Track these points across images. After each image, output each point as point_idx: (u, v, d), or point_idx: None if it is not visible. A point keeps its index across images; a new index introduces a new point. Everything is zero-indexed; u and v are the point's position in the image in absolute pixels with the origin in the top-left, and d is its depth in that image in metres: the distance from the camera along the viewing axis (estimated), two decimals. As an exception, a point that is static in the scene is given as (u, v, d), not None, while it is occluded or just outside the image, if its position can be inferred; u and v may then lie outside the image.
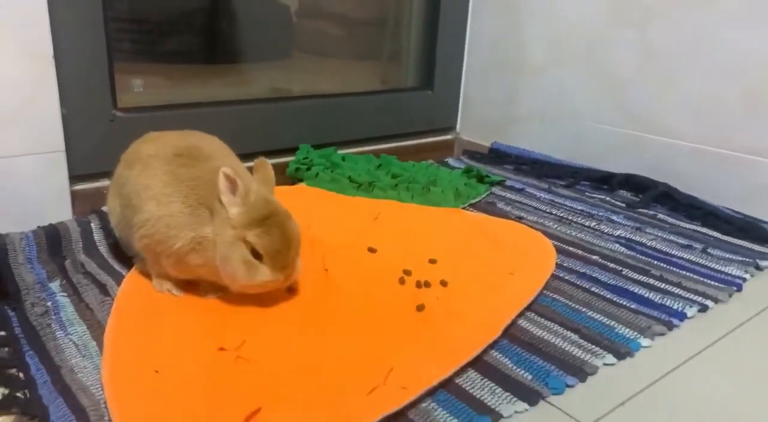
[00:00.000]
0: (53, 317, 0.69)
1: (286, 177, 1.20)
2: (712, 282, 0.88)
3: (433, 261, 0.87)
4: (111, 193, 0.81)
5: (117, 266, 0.83)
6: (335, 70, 1.64)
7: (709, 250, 0.99)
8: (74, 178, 1.06)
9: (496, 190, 1.25)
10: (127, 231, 0.76)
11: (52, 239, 0.87)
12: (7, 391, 0.56)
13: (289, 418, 0.55)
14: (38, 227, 0.90)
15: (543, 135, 1.46)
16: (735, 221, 1.09)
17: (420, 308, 0.75)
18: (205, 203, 0.71)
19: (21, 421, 0.53)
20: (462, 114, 1.65)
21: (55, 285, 0.76)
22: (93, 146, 1.08)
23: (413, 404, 0.59)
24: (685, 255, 0.97)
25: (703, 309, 0.82)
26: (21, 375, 0.59)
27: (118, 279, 0.78)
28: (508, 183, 1.30)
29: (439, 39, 1.54)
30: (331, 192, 1.13)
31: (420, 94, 1.58)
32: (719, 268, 0.93)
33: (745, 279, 0.91)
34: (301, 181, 1.18)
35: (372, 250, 0.90)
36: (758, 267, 0.95)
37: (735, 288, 0.88)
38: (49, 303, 0.72)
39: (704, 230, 1.09)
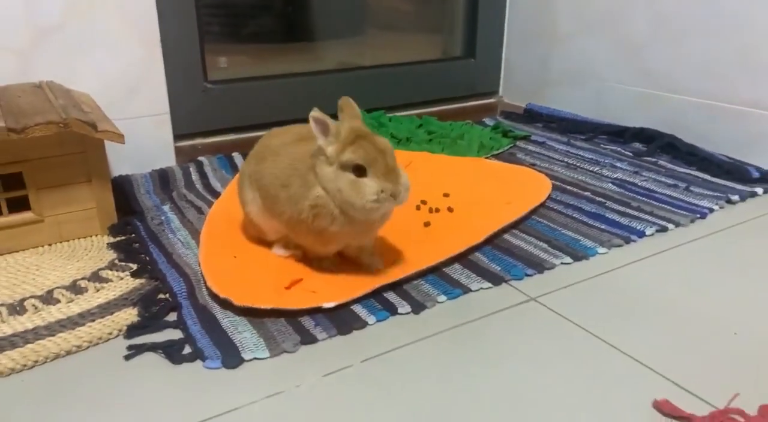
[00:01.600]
0: (165, 226, 0.99)
1: (340, 134, 1.45)
2: (681, 211, 1.06)
3: (446, 195, 1.10)
4: (248, 189, 0.86)
5: (209, 196, 1.12)
6: (403, 43, 1.84)
7: (691, 188, 1.16)
8: (177, 136, 1.37)
9: (521, 143, 1.46)
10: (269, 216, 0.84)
11: (162, 178, 1.18)
12: (138, 266, 0.86)
13: (321, 283, 0.81)
14: (152, 170, 1.21)
15: (571, 96, 1.63)
16: (725, 165, 1.24)
17: (426, 224, 0.99)
18: (310, 168, 0.77)
19: (151, 283, 0.82)
20: (504, 79, 1.84)
21: (166, 207, 1.06)
22: (190, 111, 1.38)
23: (408, 280, 0.83)
24: (668, 192, 1.15)
25: (663, 229, 1.00)
26: (147, 258, 0.89)
27: (209, 204, 1.07)
28: (533, 137, 1.49)
29: (480, 12, 1.74)
30: (375, 145, 1.37)
31: (463, 62, 1.79)
32: (692, 201, 1.11)
33: (712, 210, 1.08)
34: (352, 136, 1.43)
35: (401, 187, 1.14)
36: (729, 201, 1.12)
37: (699, 216, 1.05)
38: (162, 218, 1.01)
39: (697, 173, 1.25)
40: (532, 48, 1.71)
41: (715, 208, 1.09)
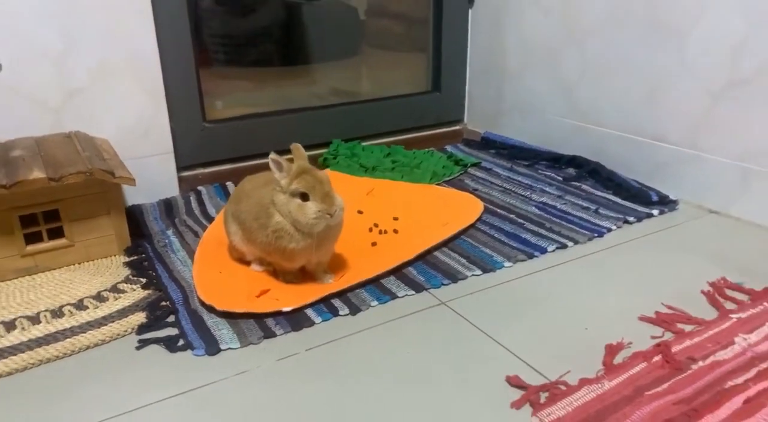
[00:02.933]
0: (168, 248, 1.26)
1: (317, 164, 1.72)
2: (583, 231, 1.31)
3: (396, 219, 1.36)
4: (231, 224, 1.12)
5: (205, 222, 1.39)
6: (397, 62, 2.08)
7: (600, 210, 1.41)
8: (179, 168, 1.64)
9: (472, 170, 1.71)
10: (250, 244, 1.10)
11: (167, 206, 1.45)
12: (147, 280, 1.13)
13: (284, 292, 1.07)
14: (159, 199, 1.48)
15: (521, 125, 1.89)
16: (632, 189, 1.49)
17: (373, 244, 1.25)
18: (270, 202, 1.02)
19: (156, 293, 1.09)
20: (468, 109, 2.10)
21: (169, 232, 1.33)
22: (191, 147, 1.65)
23: (351, 290, 1.09)
24: (579, 214, 1.40)
25: (563, 246, 1.26)
26: (153, 273, 1.16)
27: (204, 228, 1.33)
28: (483, 164, 1.75)
29: (443, 52, 1.99)
30: (345, 174, 1.64)
31: (431, 95, 2.05)
32: (596, 222, 1.36)
33: (610, 230, 1.33)
34: (326, 167, 1.69)
35: (360, 212, 1.40)
36: (627, 222, 1.36)
37: (597, 235, 1.30)
38: (166, 241, 1.29)
39: (611, 196, 1.50)
40: (488, 82, 1.97)
41: (613, 227, 1.34)
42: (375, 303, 1.06)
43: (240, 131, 1.73)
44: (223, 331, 0.98)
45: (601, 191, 1.53)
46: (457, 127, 2.10)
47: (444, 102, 2.05)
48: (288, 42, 2.00)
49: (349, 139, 1.86)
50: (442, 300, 1.08)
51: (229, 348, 0.95)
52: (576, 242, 1.27)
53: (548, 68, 1.75)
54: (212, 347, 0.95)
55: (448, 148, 1.91)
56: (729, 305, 1.04)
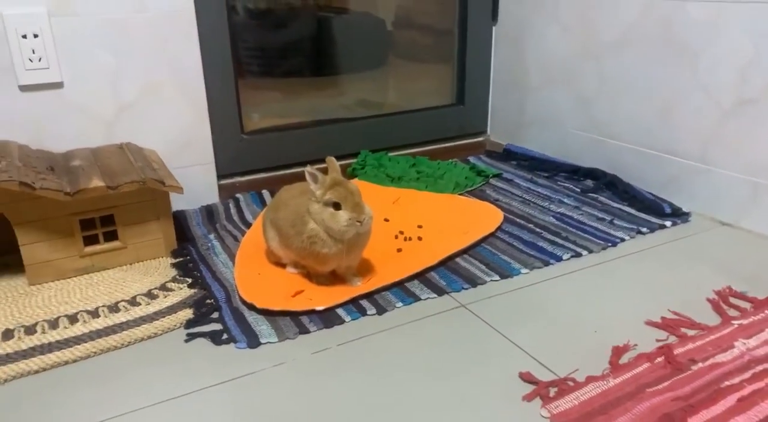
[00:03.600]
0: (211, 250, 1.37)
1: (346, 174, 1.83)
2: (598, 241, 1.39)
3: (420, 226, 1.46)
4: (267, 227, 1.23)
5: (243, 227, 1.50)
6: (422, 73, 2.18)
7: (615, 221, 1.49)
8: (219, 176, 1.76)
9: (493, 181, 1.80)
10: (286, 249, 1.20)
11: (208, 212, 1.57)
12: (192, 280, 1.24)
13: (316, 293, 1.17)
14: (201, 206, 1.60)
15: (541, 138, 1.97)
16: (646, 201, 1.56)
17: (399, 250, 1.34)
18: (306, 211, 1.12)
19: (201, 292, 1.20)
20: (491, 121, 2.19)
21: (212, 236, 1.44)
22: (230, 157, 1.76)
23: (378, 292, 1.19)
24: (594, 224, 1.48)
25: (577, 255, 1.34)
26: (198, 274, 1.27)
27: (242, 233, 1.44)
28: (504, 175, 1.83)
29: (468, 66, 2.09)
30: (373, 183, 1.74)
31: (455, 108, 2.14)
32: (610, 232, 1.43)
33: (624, 240, 1.40)
34: (355, 176, 1.80)
35: (386, 220, 1.50)
36: (640, 232, 1.44)
37: (610, 244, 1.38)
38: (209, 244, 1.40)
39: (626, 208, 1.57)
40: (511, 96, 2.06)
41: (627, 238, 1.41)
42: (400, 304, 1.16)
43: (275, 142, 1.84)
44: (262, 327, 1.09)
45: (617, 203, 1.60)
46: (480, 139, 2.18)
47: (468, 114, 2.14)
48: (318, 53, 2.09)
49: (377, 150, 1.96)
50: (462, 302, 1.17)
51: (268, 342, 1.05)
52: (590, 251, 1.35)
53: (567, 83, 1.83)
54: (253, 341, 1.05)
55: (471, 159, 2.00)
56: (732, 312, 1.11)
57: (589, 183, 1.74)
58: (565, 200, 1.62)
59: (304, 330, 1.08)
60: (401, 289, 1.21)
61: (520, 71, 1.99)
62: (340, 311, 1.13)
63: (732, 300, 1.15)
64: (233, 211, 1.60)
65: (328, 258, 1.15)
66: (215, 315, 1.13)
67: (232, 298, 1.18)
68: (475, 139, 2.17)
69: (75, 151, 1.42)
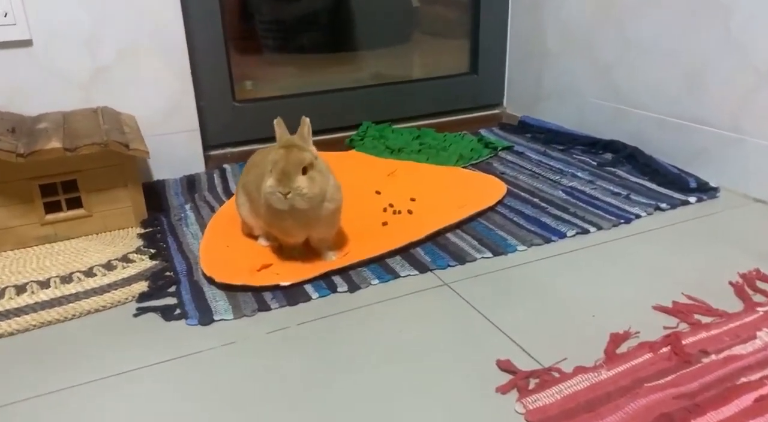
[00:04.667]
0: (183, 221, 1.27)
1: (343, 145, 1.71)
2: (608, 216, 1.24)
3: (413, 199, 1.33)
4: (238, 192, 1.14)
5: (224, 198, 1.40)
6: (446, 49, 2.03)
7: (631, 196, 1.33)
8: (209, 147, 1.66)
9: (502, 153, 1.65)
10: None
11: (189, 182, 1.47)
12: (155, 250, 1.15)
13: (285, 268, 1.06)
14: (183, 175, 1.51)
15: (559, 109, 1.81)
16: (669, 175, 1.40)
17: (384, 224, 1.22)
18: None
19: (162, 264, 1.11)
20: (507, 92, 2.03)
21: (187, 207, 1.34)
22: (221, 126, 1.67)
23: (353, 267, 1.07)
24: (607, 199, 1.32)
25: (583, 232, 1.19)
26: (164, 245, 1.17)
27: (222, 204, 1.34)
28: (516, 148, 1.68)
29: (481, 32, 1.93)
30: (370, 155, 1.61)
31: (468, 77, 1.99)
32: (625, 208, 1.28)
33: (639, 216, 1.25)
34: (352, 148, 1.67)
35: (378, 192, 1.37)
36: (659, 208, 1.28)
37: (623, 221, 1.23)
38: (182, 214, 1.30)
39: (646, 182, 1.41)
40: (528, 65, 1.90)
41: (643, 214, 1.26)
42: (376, 281, 1.04)
43: (270, 111, 1.72)
44: (219, 303, 0.98)
45: (637, 177, 1.44)
46: (496, 111, 2.03)
47: (482, 85, 1.99)
48: (336, 27, 1.98)
49: (381, 122, 1.83)
50: (445, 281, 1.04)
51: (222, 319, 0.95)
52: (599, 228, 1.20)
53: (586, 50, 1.67)
54: (206, 317, 0.95)
55: (482, 131, 1.85)
56: (758, 298, 0.96)
57: (608, 156, 1.58)
58: (579, 174, 1.47)
59: (264, 307, 0.97)
60: (380, 266, 1.09)
61: (538, 39, 1.83)
62: (308, 287, 1.02)
63: (759, 284, 1.00)
64: (217, 181, 1.50)
65: (285, 227, 1.04)
66: (172, 288, 1.04)
67: (193, 271, 1.08)
68: (490, 111, 2.03)
69: (46, 115, 1.34)
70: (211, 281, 1.03)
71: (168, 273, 1.07)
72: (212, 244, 1.15)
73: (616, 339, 0.87)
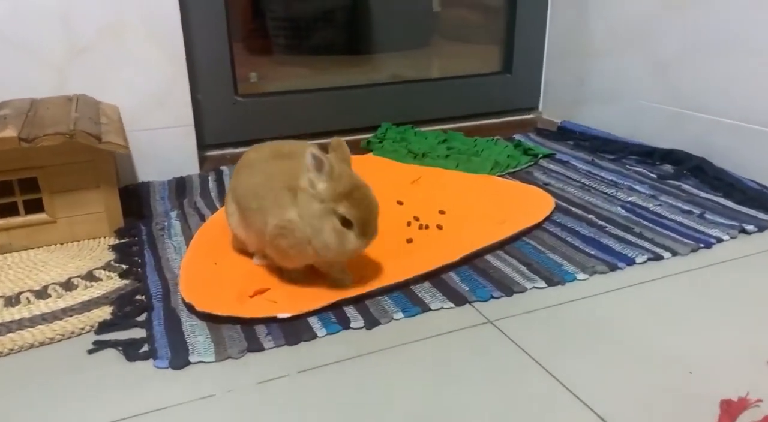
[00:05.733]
0: (166, 231, 1.06)
1: (360, 149, 1.49)
2: (684, 240, 1.01)
3: (442, 212, 1.11)
4: (228, 199, 0.92)
5: (219, 204, 1.18)
6: (468, 54, 1.85)
7: (706, 215, 1.10)
8: (206, 146, 1.45)
9: (543, 162, 1.43)
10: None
11: (179, 186, 1.26)
12: (127, 266, 0.93)
13: (285, 294, 0.84)
14: (173, 177, 1.29)
15: (606, 114, 1.58)
16: (749, 191, 1.17)
17: (409, 241, 1.00)
18: (287, 187, 0.79)
19: (133, 284, 0.89)
20: (543, 95, 1.81)
21: (173, 214, 1.13)
22: (220, 123, 1.46)
23: (371, 295, 0.85)
24: (678, 219, 1.09)
25: (657, 258, 0.96)
26: (139, 260, 0.96)
27: (214, 212, 1.13)
28: (558, 156, 1.46)
29: (517, 28, 1.72)
30: (390, 159, 1.39)
31: (500, 77, 1.77)
32: (702, 229, 1.05)
33: (721, 240, 1.02)
34: (370, 151, 1.46)
35: (399, 203, 1.15)
36: (744, 231, 1.05)
37: (702, 246, 1.00)
38: (166, 223, 1.08)
39: (720, 199, 1.18)
40: (569, 65, 1.68)
41: (725, 237, 1.03)
42: (400, 315, 0.81)
43: (277, 108, 1.53)
44: (199, 339, 0.76)
45: (707, 193, 1.22)
46: (530, 116, 1.81)
47: (515, 85, 1.77)
48: (352, 28, 1.80)
49: (402, 124, 1.61)
50: (489, 318, 0.81)
51: (201, 362, 0.73)
52: (675, 253, 0.98)
53: (641, 47, 1.45)
54: (179, 358, 0.73)
55: (517, 136, 1.63)
56: None
57: (668, 168, 1.35)
58: (637, 187, 1.24)
59: (255, 347, 0.75)
60: (405, 294, 0.86)
61: (582, 33, 1.61)
62: (312, 321, 0.80)
63: None
64: (212, 185, 1.28)
65: (296, 257, 0.83)
66: (142, 316, 0.82)
67: (171, 295, 0.86)
68: (524, 116, 1.81)
69: (10, 101, 1.13)
70: (190, 309, 0.81)
71: (139, 297, 0.86)
72: (197, 261, 0.93)
73: (731, 410, 0.64)
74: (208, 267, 0.91)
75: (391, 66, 1.81)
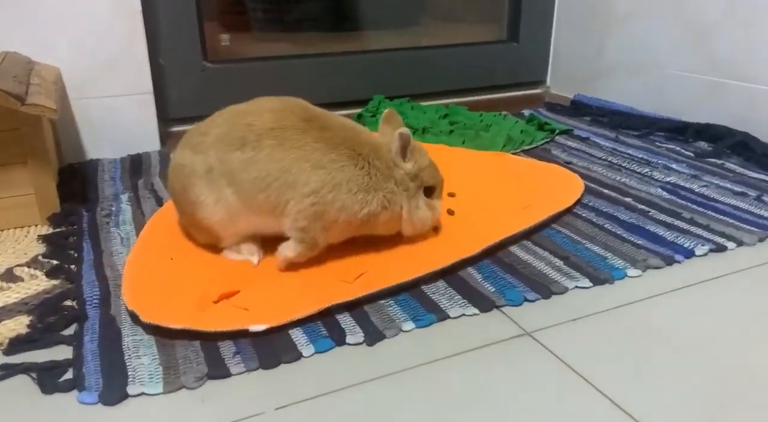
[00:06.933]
0: (113, 218, 0.85)
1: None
2: (746, 226, 0.84)
3: (451, 195, 0.92)
4: (207, 188, 0.69)
5: (181, 187, 0.98)
6: (459, 32, 1.67)
7: (764, 198, 0.93)
8: (169, 120, 1.24)
9: (560, 138, 1.25)
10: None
11: (134, 164, 1.05)
12: (57, 263, 0.73)
13: (261, 298, 0.65)
14: (128, 155, 1.08)
15: (627, 86, 1.41)
16: (810, 170, 1.00)
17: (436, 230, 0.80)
18: (372, 163, 0.71)
19: (63, 286, 0.69)
20: (552, 67, 1.63)
21: (124, 197, 0.92)
22: (186, 93, 1.25)
23: (372, 299, 0.66)
24: (733, 202, 0.92)
25: (720, 249, 0.78)
26: (75, 254, 0.76)
27: (175, 195, 0.92)
28: (576, 132, 1.28)
29: (525, -7, 1.53)
30: (386, 135, 1.20)
31: (505, 46, 1.58)
32: (761, 213, 0.88)
33: (790, 227, 0.85)
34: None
35: (400, 184, 0.96)
36: (814, 216, 0.88)
37: (770, 233, 0.82)
38: (113, 208, 0.88)
39: (774, 180, 1.01)
40: (584, 32, 1.50)
41: (794, 223, 0.85)
42: (410, 325, 0.63)
43: (253, 76, 1.32)
44: (143, 360, 0.57)
45: (758, 172, 1.04)
46: (538, 90, 1.63)
47: (522, 56, 1.58)
48: (335, 2, 1.60)
49: (396, 97, 1.42)
50: (524, 327, 0.63)
51: (143, 394, 0.53)
52: (740, 243, 0.80)
53: (672, 9, 1.27)
54: (114, 389, 0.53)
55: (525, 112, 1.44)
56: None
57: (703, 145, 1.18)
58: (674, 166, 1.07)
59: (219, 372, 0.56)
60: (415, 297, 0.67)
61: (600, -5, 1.43)
62: (296, 335, 0.61)
63: None
64: (174, 164, 1.08)
65: (339, 233, 0.72)
66: (70, 330, 0.62)
67: (111, 301, 0.66)
68: (531, 91, 1.63)
69: None
70: (135, 319, 0.62)
71: (68, 303, 0.66)
72: (147, 256, 0.73)
73: None
74: (161, 264, 0.71)
75: (377, 45, 1.61)
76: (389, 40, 1.60)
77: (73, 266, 0.73)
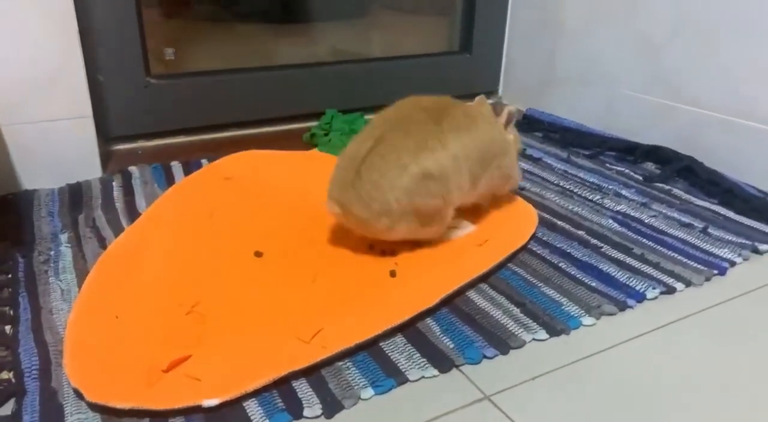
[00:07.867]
0: (51, 265, 0.80)
1: (302, 143, 1.26)
2: (694, 264, 0.86)
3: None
4: (457, 174, 0.83)
5: (125, 222, 0.93)
6: (409, 27, 1.65)
7: (709, 230, 0.95)
8: (110, 140, 1.19)
9: (513, 158, 1.25)
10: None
11: (74, 195, 1.00)
12: (-7, 325, 0.68)
13: (215, 364, 0.62)
14: (66, 184, 1.03)
15: (579, 101, 1.42)
16: (752, 200, 1.03)
17: (392, 274, 0.79)
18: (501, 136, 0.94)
19: None
20: (504, 78, 1.63)
21: (63, 237, 0.87)
22: (128, 111, 1.19)
23: (329, 362, 0.65)
24: (680, 235, 0.94)
25: (670, 291, 0.80)
26: (11, 312, 0.71)
27: (119, 233, 0.88)
28: (529, 151, 1.28)
29: (477, 3, 1.52)
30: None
31: (457, 57, 1.57)
32: (710, 250, 0.90)
33: (734, 263, 0.87)
34: (314, 146, 1.23)
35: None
36: (756, 251, 0.91)
37: (716, 272, 0.84)
38: (52, 252, 0.83)
39: (718, 208, 1.04)
40: (536, 43, 1.50)
41: (738, 260, 0.88)
42: (369, 392, 0.61)
43: (200, 92, 1.27)
44: (88, 446, 0.54)
45: (702, 199, 1.07)
46: (490, 101, 1.62)
47: (475, 66, 1.58)
48: None
49: (350, 111, 1.39)
50: (484, 391, 0.63)
51: (89, 489, 0.50)
52: (688, 283, 0.82)
53: (624, 24, 1.28)
54: (57, 485, 0.50)
55: (479, 127, 1.44)
56: None
57: (651, 167, 1.20)
58: (624, 192, 1.08)
59: (171, 457, 0.53)
60: (373, 356, 0.66)
61: (553, 7, 1.43)
62: (251, 408, 0.59)
63: None
64: (117, 192, 1.03)
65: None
66: (7, 407, 0.58)
67: (52, 370, 0.62)
68: (483, 102, 1.61)
69: None
70: (79, 396, 0.58)
71: (4, 375, 0.62)
72: (90, 316, 0.69)
73: None
74: (106, 325, 0.68)
75: (329, 38, 1.58)
76: (340, 34, 1.57)
77: (8, 327, 0.68)
